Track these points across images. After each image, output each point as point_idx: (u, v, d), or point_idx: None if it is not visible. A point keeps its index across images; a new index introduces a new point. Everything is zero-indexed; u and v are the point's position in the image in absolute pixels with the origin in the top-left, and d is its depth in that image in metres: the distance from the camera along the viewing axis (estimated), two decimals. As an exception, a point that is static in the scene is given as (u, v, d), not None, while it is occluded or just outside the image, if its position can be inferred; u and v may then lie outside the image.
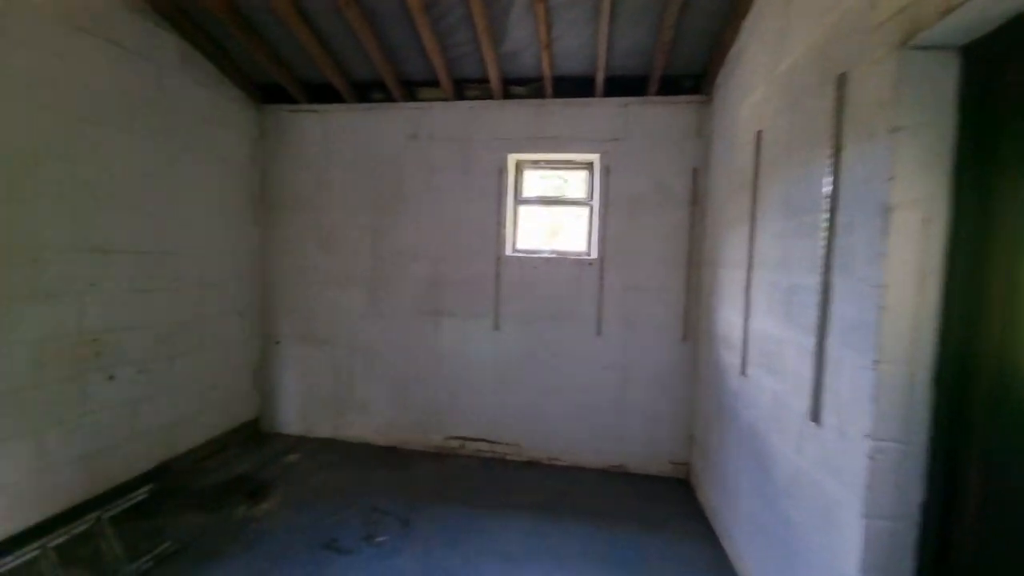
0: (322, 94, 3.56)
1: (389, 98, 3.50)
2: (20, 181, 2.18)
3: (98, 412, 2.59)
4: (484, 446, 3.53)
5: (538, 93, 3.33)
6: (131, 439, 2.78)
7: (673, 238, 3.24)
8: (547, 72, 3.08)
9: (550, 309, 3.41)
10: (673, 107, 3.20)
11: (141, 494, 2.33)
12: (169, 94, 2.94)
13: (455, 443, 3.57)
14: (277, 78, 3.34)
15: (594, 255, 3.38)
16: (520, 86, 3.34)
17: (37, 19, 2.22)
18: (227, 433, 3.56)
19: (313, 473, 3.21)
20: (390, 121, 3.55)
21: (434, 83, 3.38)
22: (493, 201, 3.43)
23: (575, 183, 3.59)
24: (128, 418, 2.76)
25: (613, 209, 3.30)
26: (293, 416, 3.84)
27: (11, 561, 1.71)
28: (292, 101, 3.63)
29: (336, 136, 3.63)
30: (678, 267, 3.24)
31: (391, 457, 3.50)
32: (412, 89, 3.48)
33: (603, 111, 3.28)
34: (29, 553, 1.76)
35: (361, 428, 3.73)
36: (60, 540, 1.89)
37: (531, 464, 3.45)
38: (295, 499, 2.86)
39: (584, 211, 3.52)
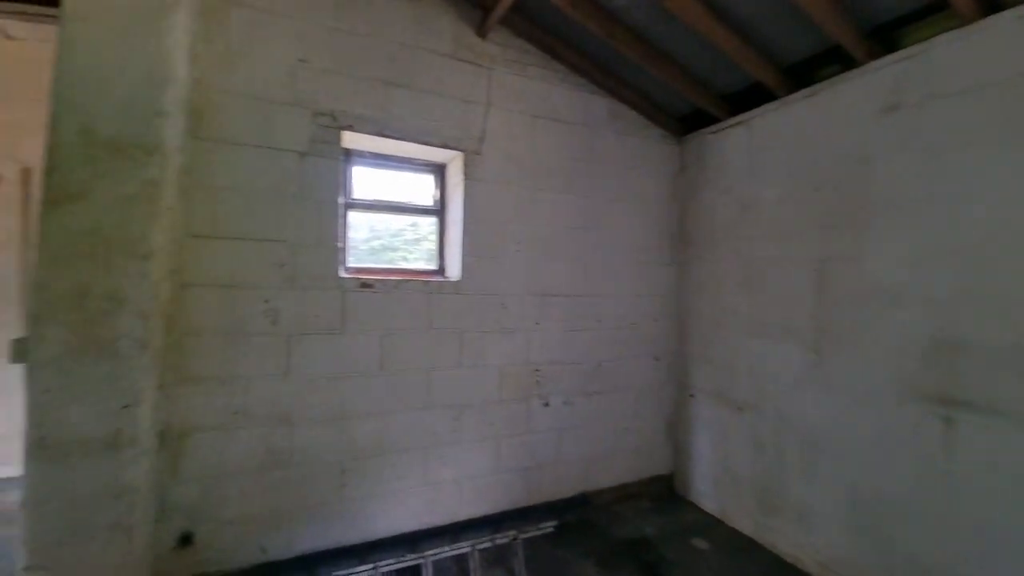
0: (745, 101, 2.94)
1: (845, 66, 2.40)
2: (496, 241, 2.87)
3: (536, 433, 3.02)
4: None
5: None
6: (556, 463, 3.09)
7: None
8: None
9: None
10: None
11: (548, 527, 2.46)
12: (598, 152, 3.22)
13: (999, 666, 1.81)
14: (695, 100, 3.01)
15: None
16: None
17: (512, 114, 2.91)
18: (640, 482, 3.41)
19: (721, 580, 2.48)
20: (845, 98, 2.42)
21: (930, 9, 2.02)
22: (1114, 178, 1.59)
23: None
24: (555, 443, 3.09)
25: None
26: (708, 488, 3.23)
27: (447, 551, 2.12)
28: (713, 121, 3.20)
29: (764, 145, 2.86)
30: None
31: (845, 617, 2.21)
32: (886, 38, 2.24)
33: None
34: (462, 549, 2.12)
35: (794, 542, 2.61)
36: (485, 545, 2.20)
37: None
38: (691, 608, 2.26)
39: None
